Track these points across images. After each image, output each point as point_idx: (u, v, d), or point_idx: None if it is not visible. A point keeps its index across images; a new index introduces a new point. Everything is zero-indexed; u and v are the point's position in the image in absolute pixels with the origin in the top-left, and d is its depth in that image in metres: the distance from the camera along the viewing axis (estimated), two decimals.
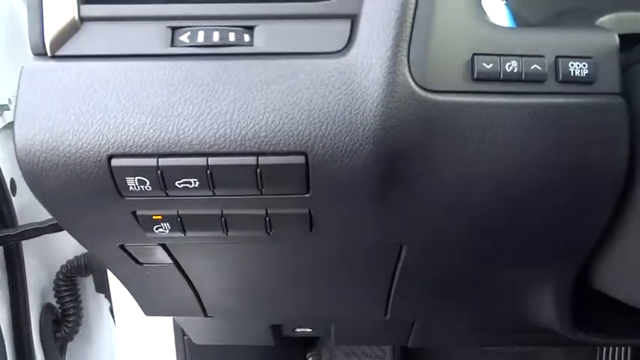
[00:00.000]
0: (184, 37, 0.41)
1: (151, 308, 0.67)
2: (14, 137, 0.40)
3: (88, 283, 1.15)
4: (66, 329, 1.09)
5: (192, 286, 0.61)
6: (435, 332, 0.81)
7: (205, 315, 0.68)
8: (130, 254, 0.53)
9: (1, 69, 0.84)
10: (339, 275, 0.59)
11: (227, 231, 0.46)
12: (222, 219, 0.45)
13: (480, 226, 0.47)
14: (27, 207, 0.97)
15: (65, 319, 1.09)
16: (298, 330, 0.86)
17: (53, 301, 1.09)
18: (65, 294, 1.07)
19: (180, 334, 0.96)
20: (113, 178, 0.41)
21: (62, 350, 1.11)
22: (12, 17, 0.78)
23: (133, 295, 0.64)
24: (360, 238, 0.49)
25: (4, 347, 0.93)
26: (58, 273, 1.07)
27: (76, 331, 1.11)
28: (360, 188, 0.42)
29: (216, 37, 0.41)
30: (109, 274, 0.97)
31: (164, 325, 0.97)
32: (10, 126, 0.91)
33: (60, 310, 1.09)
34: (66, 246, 1.08)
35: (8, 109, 0.90)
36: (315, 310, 0.68)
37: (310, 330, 0.85)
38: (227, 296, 0.64)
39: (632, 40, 0.46)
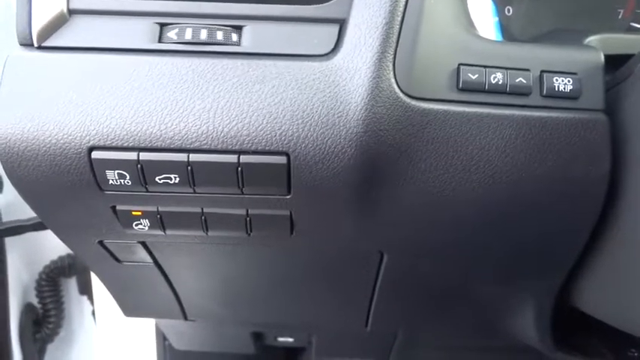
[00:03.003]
0: (172, 34, 0.41)
1: (130, 309, 0.66)
2: None
3: (71, 284, 1.14)
4: (46, 330, 1.07)
5: (172, 288, 0.60)
6: (417, 349, 0.80)
7: (185, 318, 0.67)
8: (109, 251, 0.52)
9: None
10: (320, 283, 0.59)
11: (207, 230, 0.46)
12: (203, 217, 0.45)
13: (460, 236, 0.47)
14: (13, 205, 0.96)
15: (46, 320, 1.07)
16: (280, 339, 0.85)
17: (35, 301, 1.07)
18: (47, 294, 1.06)
19: (161, 339, 0.95)
20: (93, 171, 0.41)
21: (41, 352, 1.09)
22: (7, 6, 0.79)
23: (112, 295, 0.63)
24: (340, 244, 0.49)
25: None
26: (40, 273, 1.06)
27: (57, 333, 1.09)
28: (341, 191, 0.42)
29: (203, 35, 0.41)
30: (93, 276, 0.97)
31: (145, 330, 0.96)
32: None
33: (41, 311, 1.08)
34: (50, 246, 1.07)
35: None
36: (294, 318, 0.68)
37: (292, 340, 0.85)
38: (207, 299, 0.64)
39: (619, 60, 0.46)
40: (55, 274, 1.07)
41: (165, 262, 0.55)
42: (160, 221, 0.45)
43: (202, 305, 0.64)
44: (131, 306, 0.66)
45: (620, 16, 0.59)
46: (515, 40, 0.56)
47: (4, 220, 0.94)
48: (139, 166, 0.40)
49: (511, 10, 0.58)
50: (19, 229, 0.91)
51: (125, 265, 0.55)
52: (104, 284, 0.61)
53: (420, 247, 0.49)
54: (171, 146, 0.40)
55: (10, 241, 0.98)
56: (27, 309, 1.05)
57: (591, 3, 0.58)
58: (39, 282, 1.06)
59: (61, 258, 1.07)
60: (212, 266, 0.56)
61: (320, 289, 0.60)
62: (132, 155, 0.40)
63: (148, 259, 0.53)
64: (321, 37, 0.41)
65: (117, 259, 0.54)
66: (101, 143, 0.40)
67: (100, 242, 0.50)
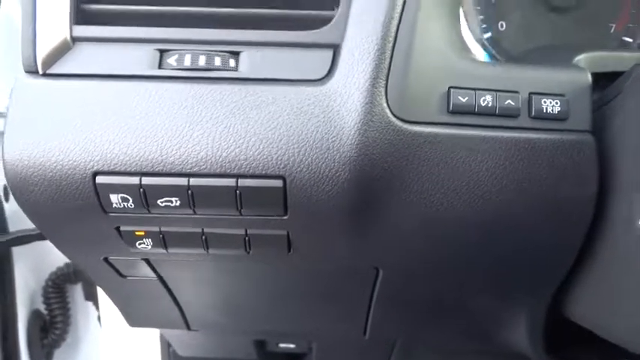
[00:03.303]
0: (172, 60, 0.42)
1: (135, 320, 0.68)
2: (3, 150, 0.41)
3: (76, 291, 1.16)
4: (53, 336, 1.09)
5: (175, 300, 0.61)
6: (415, 356, 0.81)
7: (188, 328, 0.69)
8: (114, 267, 0.54)
9: (1, 78, 0.85)
10: (318, 295, 0.60)
11: (208, 249, 0.47)
12: (203, 237, 0.46)
13: (452, 254, 0.49)
14: (19, 213, 0.97)
15: (53, 326, 1.09)
16: (282, 345, 0.86)
17: (41, 307, 1.09)
18: (53, 301, 1.07)
19: (165, 345, 0.97)
20: (97, 195, 0.42)
21: (49, 357, 1.11)
22: (11, 26, 0.80)
23: (117, 306, 0.65)
24: (337, 261, 0.50)
25: None
26: (47, 280, 1.07)
27: (64, 339, 1.11)
28: (336, 212, 0.43)
29: (202, 60, 0.42)
30: None
31: (150, 336, 0.97)
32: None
33: (48, 317, 1.09)
34: (56, 253, 1.07)
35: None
36: (294, 328, 0.69)
37: (293, 346, 0.86)
38: (210, 311, 0.65)
39: (607, 78, 0.47)
40: (61, 281, 1.09)
41: (168, 277, 0.56)
42: (162, 241, 0.47)
43: (205, 316, 0.66)
44: (135, 317, 0.67)
45: (612, 30, 0.60)
46: (508, 55, 0.57)
47: (11, 229, 0.96)
48: (141, 190, 0.42)
49: (504, 25, 0.59)
50: (25, 238, 0.93)
51: (129, 280, 0.56)
52: (109, 296, 0.63)
53: (413, 264, 0.50)
54: (172, 171, 0.41)
55: (16, 250, 0.99)
56: (34, 315, 1.07)
57: (583, 17, 0.59)
58: (45, 289, 1.08)
59: (66, 265, 1.09)
60: (214, 281, 0.58)
61: (318, 301, 0.61)
62: (134, 180, 0.41)
63: (152, 274, 0.55)
64: (316, 62, 0.42)
65: (121, 275, 0.55)
66: (105, 168, 0.41)
67: (105, 259, 0.52)
